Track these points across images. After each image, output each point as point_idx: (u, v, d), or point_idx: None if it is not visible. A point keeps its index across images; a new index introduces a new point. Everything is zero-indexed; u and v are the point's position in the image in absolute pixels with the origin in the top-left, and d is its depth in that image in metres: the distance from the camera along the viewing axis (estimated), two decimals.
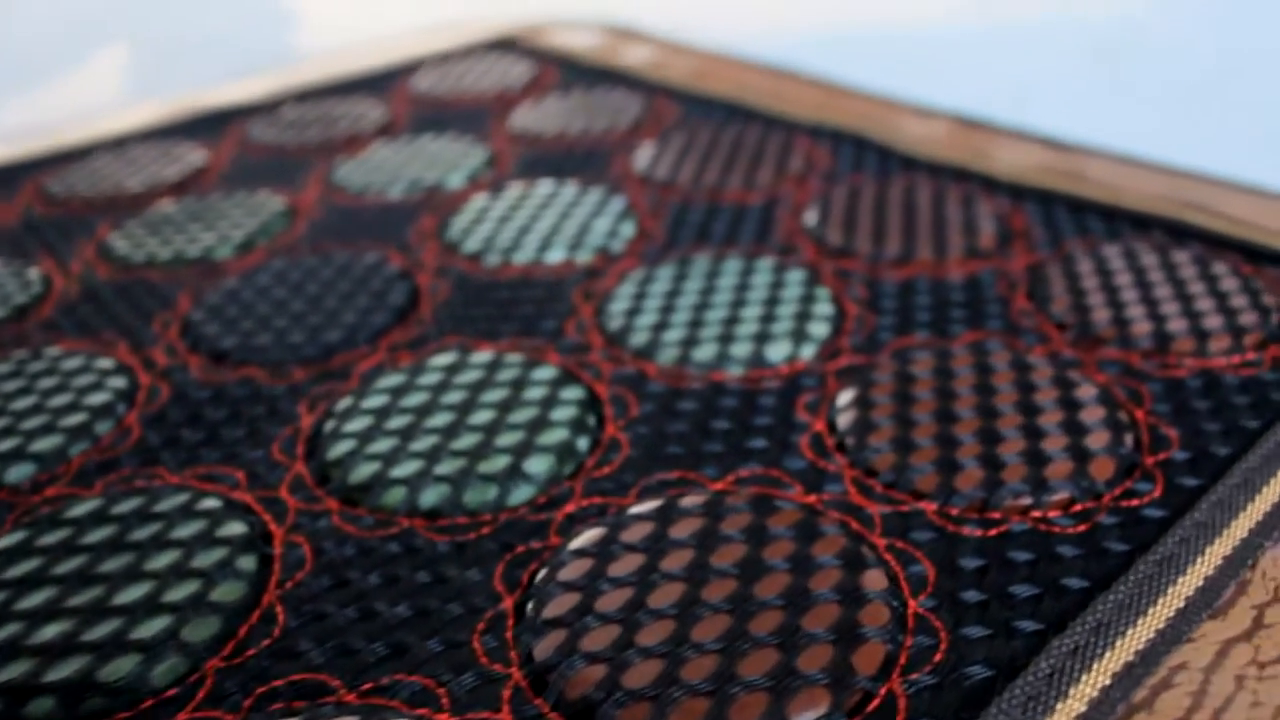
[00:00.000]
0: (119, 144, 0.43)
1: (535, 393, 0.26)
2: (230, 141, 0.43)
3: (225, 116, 0.45)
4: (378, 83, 0.49)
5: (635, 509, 0.22)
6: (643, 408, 0.25)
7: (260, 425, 0.25)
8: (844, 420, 0.24)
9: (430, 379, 0.26)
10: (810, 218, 0.34)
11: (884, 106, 0.43)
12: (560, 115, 0.43)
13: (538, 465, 0.23)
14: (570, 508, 0.22)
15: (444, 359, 0.27)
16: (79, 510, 0.23)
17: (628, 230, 0.34)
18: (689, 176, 0.37)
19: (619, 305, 0.29)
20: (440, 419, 0.25)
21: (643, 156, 0.39)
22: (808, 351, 0.27)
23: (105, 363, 0.28)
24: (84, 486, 0.24)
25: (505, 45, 0.53)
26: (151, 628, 0.19)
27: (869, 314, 0.29)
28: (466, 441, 0.24)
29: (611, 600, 0.19)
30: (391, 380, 0.26)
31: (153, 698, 0.18)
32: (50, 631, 0.20)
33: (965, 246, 0.32)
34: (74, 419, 0.26)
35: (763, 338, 0.27)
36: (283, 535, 0.22)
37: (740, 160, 0.38)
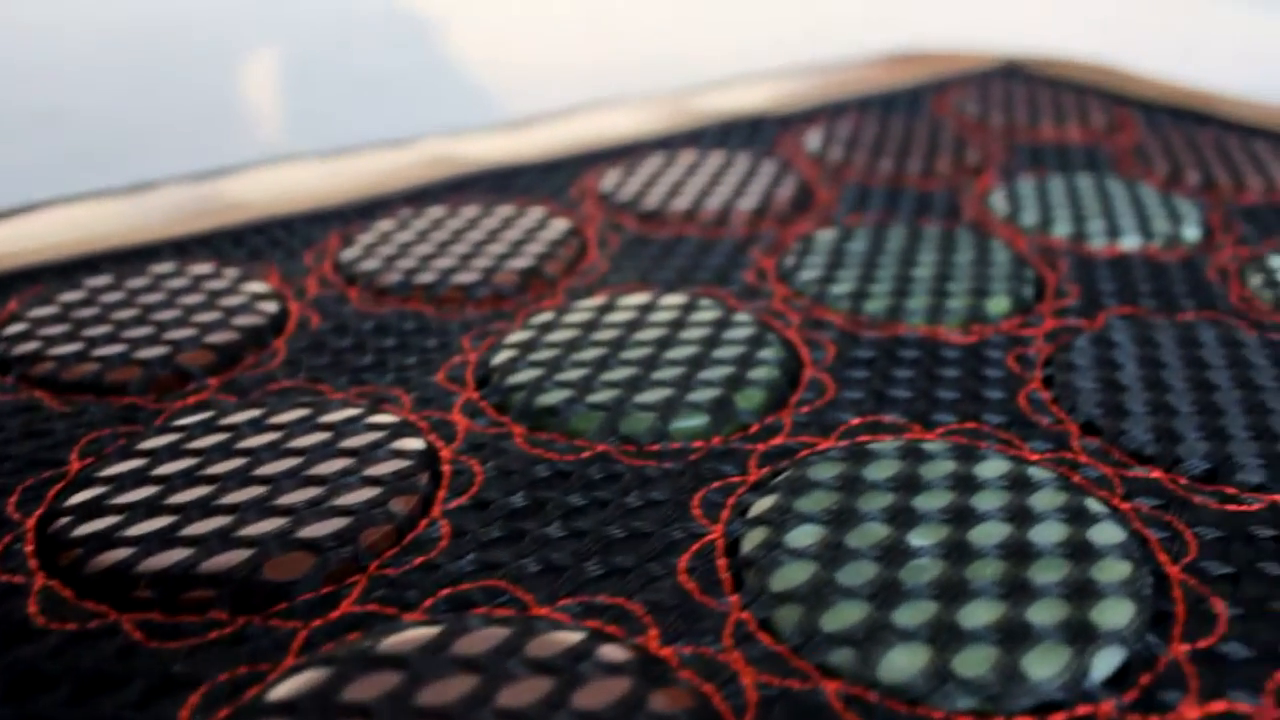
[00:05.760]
0: (628, 151, 0.33)
1: None
2: (796, 156, 0.33)
3: (759, 126, 0.35)
4: (905, 102, 0.39)
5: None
6: None
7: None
8: None
9: None
10: None
11: None
12: None
13: None
14: None
15: None
16: None
17: None
18: None
19: None
20: None
21: None
22: None
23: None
24: None
25: (1011, 73, 0.43)
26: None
27: None
28: None
29: None
30: None
31: None
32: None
33: None
34: None
35: None
36: None
37: None
